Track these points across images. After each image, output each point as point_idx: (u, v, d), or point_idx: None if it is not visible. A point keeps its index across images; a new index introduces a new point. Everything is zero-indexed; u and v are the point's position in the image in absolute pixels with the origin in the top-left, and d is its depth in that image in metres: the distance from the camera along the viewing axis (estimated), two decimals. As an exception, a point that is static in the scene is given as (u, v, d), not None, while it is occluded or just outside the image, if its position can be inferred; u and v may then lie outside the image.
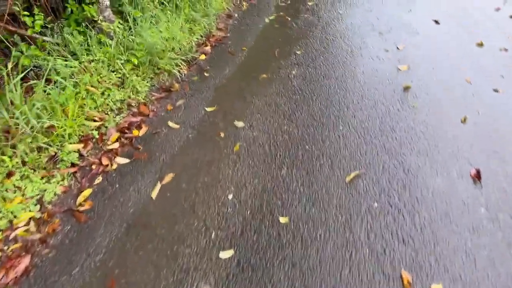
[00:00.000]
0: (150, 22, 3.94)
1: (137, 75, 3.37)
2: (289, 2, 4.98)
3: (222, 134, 2.87)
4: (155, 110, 3.16)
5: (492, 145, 2.52)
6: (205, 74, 3.70)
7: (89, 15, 3.27)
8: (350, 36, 4.02)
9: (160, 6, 4.15)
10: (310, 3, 4.85)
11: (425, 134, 2.63)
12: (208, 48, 4.09)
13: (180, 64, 3.74)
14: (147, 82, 3.42)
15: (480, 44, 3.48)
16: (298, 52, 3.84)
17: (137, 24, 3.68)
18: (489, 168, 2.37)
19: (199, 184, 2.46)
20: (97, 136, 2.80)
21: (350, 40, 3.95)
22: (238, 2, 5.04)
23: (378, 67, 3.41)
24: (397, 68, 3.35)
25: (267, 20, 4.59)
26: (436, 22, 3.98)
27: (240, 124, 2.95)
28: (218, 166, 2.58)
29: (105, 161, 2.66)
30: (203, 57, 3.97)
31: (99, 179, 2.54)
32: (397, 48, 3.64)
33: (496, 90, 2.94)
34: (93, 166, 2.63)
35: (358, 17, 4.35)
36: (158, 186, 2.46)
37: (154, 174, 2.55)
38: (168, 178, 2.51)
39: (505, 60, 3.27)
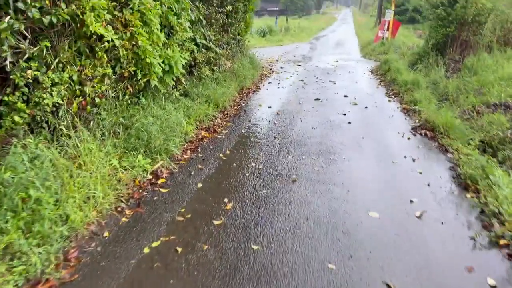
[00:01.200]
0: None
1: None
2: (189, 216, 3.63)
3: None
4: None
5: None
6: None
7: None
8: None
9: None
10: (216, 222, 3.52)
11: None
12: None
13: None
14: None
15: None
16: None
17: None
18: None
19: None
20: None
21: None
22: (119, 210, 3.63)
23: None
24: None
25: (147, 250, 3.12)
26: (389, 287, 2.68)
27: None
28: None
29: None
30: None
31: None
32: None
33: None
34: None
35: (277, 260, 3.00)
36: None
37: None
38: None
39: None
